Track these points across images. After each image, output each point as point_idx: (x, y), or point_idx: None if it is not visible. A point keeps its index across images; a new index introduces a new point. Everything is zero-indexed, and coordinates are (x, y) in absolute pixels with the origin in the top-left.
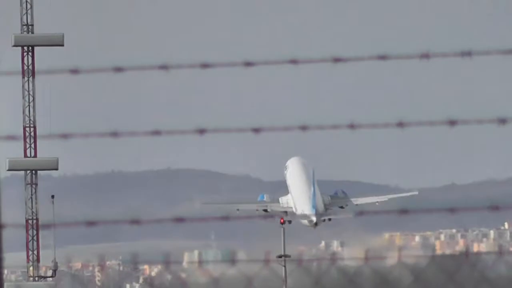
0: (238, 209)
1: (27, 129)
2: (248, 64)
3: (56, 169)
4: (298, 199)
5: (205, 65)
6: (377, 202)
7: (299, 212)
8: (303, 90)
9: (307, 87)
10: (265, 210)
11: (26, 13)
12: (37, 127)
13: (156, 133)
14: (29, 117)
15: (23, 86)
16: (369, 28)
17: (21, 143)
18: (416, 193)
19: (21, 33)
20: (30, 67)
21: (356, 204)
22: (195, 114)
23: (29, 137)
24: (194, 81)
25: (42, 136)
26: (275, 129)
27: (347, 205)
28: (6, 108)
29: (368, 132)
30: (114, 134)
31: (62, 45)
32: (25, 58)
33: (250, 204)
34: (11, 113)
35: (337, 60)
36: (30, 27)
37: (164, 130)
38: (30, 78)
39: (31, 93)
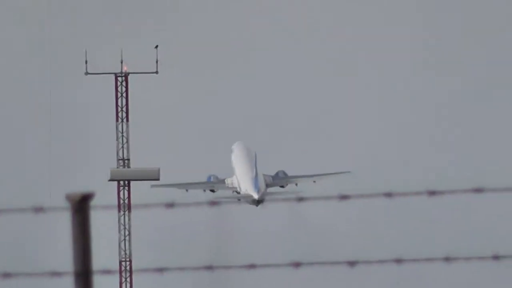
0: (187, 190)
1: (123, 263)
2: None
3: None
4: (242, 180)
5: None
6: (314, 180)
7: (243, 191)
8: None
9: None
10: (212, 191)
11: (122, 147)
12: (132, 261)
13: (353, 263)
14: (125, 251)
15: (119, 220)
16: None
17: (116, 277)
18: (350, 171)
19: (117, 167)
20: (126, 201)
21: (296, 184)
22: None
23: (124, 271)
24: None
25: (138, 270)
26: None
27: (287, 184)
28: (102, 242)
29: None
30: (208, 268)
31: (158, 179)
32: (121, 193)
33: (198, 184)
34: (106, 247)
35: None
36: (126, 161)
37: (361, 259)
38: (126, 212)
39: (127, 227)
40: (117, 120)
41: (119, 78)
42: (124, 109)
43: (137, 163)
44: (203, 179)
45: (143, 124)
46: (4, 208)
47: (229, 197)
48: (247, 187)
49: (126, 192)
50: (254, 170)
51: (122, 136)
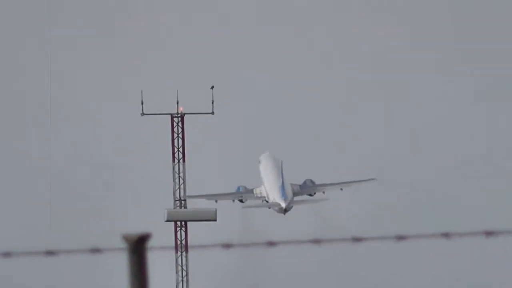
0: (216, 201)
1: None
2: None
3: None
4: (270, 189)
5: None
6: (341, 188)
7: (271, 200)
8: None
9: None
10: (241, 201)
11: (179, 188)
12: None
13: None
14: None
15: (176, 261)
16: None
17: None
18: (375, 179)
19: (174, 208)
20: (183, 242)
21: (323, 192)
22: None
23: None
24: None
25: None
26: None
27: (315, 193)
28: (159, 284)
29: None
30: None
31: (215, 220)
32: (178, 233)
33: (227, 195)
34: None
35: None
36: (183, 202)
37: None
38: (184, 253)
39: (184, 268)
40: (173, 161)
41: (175, 119)
42: (180, 149)
43: (194, 203)
44: (233, 190)
45: (199, 164)
46: (60, 249)
47: (258, 205)
48: (274, 196)
49: (183, 233)
50: (281, 179)
51: (179, 176)
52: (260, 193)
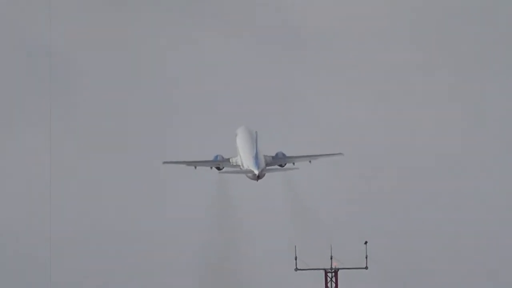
0: (195, 167)
1: None
2: None
3: None
4: (245, 157)
5: None
6: (309, 160)
7: (245, 168)
8: None
9: None
10: (218, 168)
11: None
12: None
13: None
14: None
15: None
16: None
17: None
18: (342, 153)
19: None
20: None
21: (293, 163)
22: None
23: None
24: None
25: None
26: None
27: (285, 164)
28: None
29: None
30: None
31: None
32: None
33: (206, 162)
34: None
35: None
36: None
37: None
38: None
39: None
40: None
41: (329, 274)
42: None
43: None
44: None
45: None
46: None
47: (234, 171)
48: (248, 164)
49: None
50: (255, 149)
51: None
52: (236, 162)
